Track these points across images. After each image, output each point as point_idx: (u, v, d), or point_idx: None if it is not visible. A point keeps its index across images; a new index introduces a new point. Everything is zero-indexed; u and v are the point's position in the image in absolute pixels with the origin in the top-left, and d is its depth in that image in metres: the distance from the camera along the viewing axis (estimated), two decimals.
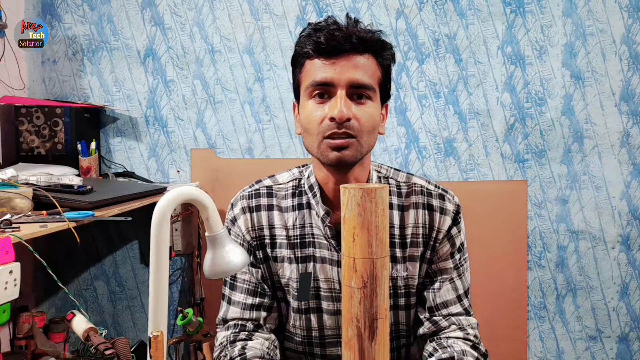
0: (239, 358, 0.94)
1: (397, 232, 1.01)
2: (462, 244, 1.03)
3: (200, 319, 1.21)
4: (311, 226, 1.01)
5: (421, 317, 1.02)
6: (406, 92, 2.13)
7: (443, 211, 1.02)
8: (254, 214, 1.04)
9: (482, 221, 2.08)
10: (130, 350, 1.25)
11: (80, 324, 1.28)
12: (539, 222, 2.12)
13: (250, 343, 0.98)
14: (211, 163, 2.16)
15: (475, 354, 0.95)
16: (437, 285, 1.01)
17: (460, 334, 0.98)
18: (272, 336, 1.03)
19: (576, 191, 2.11)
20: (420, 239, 1.01)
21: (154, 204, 0.75)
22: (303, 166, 1.09)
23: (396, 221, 1.01)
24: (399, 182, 1.04)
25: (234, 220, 1.05)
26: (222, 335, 1.02)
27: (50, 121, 1.93)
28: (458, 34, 2.10)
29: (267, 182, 1.08)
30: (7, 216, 1.16)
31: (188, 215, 2.04)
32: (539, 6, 2.08)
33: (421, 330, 1.01)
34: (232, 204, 1.07)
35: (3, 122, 1.96)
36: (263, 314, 1.02)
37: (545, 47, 2.09)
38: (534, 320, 2.15)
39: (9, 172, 1.38)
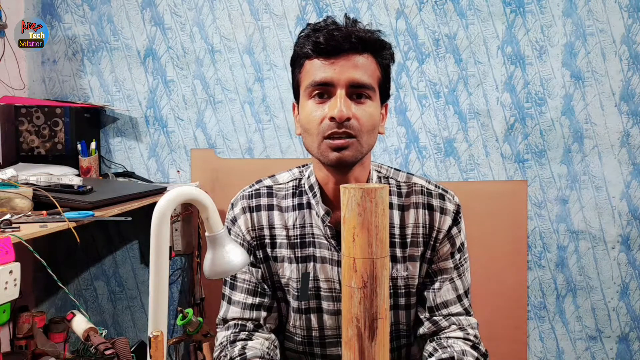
0: (239, 358, 0.94)
1: (397, 231, 1.01)
2: (462, 244, 1.03)
3: (200, 319, 1.21)
4: (311, 226, 1.01)
5: (421, 317, 1.02)
6: (406, 92, 2.13)
7: (443, 211, 1.02)
8: (254, 213, 1.04)
9: (482, 221, 2.08)
10: (130, 350, 1.25)
11: (80, 324, 1.28)
12: (539, 222, 2.12)
13: (250, 343, 0.98)
14: (211, 163, 2.16)
15: (475, 354, 0.95)
16: (437, 285, 1.01)
17: (460, 334, 0.98)
18: (272, 336, 1.03)
19: (576, 191, 2.11)
20: (421, 239, 1.01)
21: (154, 204, 0.75)
22: (303, 166, 1.09)
23: (396, 221, 1.01)
24: (399, 182, 1.04)
25: (234, 220, 1.05)
26: (222, 335, 1.02)
27: (50, 121, 1.93)
28: (458, 34, 2.10)
29: (267, 182, 1.08)
30: (7, 216, 1.16)
31: (188, 215, 2.04)
32: (539, 6, 2.08)
33: (421, 330, 1.01)
34: (232, 204, 1.07)
35: (3, 122, 1.96)
36: (263, 313, 1.02)
37: (545, 47, 2.09)
38: (534, 320, 2.15)
39: (9, 172, 1.38)
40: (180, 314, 1.16)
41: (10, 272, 0.95)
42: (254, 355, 0.95)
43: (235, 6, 2.14)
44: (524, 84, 2.10)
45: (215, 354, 1.01)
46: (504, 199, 2.11)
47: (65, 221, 1.18)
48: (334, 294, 1.01)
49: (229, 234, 1.05)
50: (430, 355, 0.95)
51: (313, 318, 1.02)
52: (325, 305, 1.01)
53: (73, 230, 1.16)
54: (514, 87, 2.10)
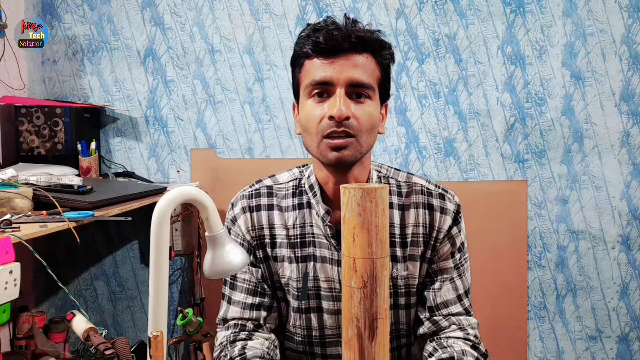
0: (238, 358, 0.94)
1: (397, 231, 1.01)
2: (462, 244, 1.04)
3: (200, 319, 1.21)
4: (311, 225, 1.01)
5: (421, 316, 1.02)
6: (406, 92, 2.13)
7: (443, 211, 1.02)
8: (254, 213, 1.04)
9: (482, 221, 2.08)
10: (130, 350, 1.25)
11: (80, 324, 1.28)
12: (539, 222, 2.12)
13: (250, 343, 0.98)
14: (211, 163, 2.16)
15: (475, 354, 0.95)
16: (437, 285, 1.01)
17: (460, 334, 0.98)
18: (272, 336, 1.03)
19: (576, 191, 2.11)
20: (421, 239, 1.01)
21: (154, 204, 0.75)
22: (303, 166, 1.09)
23: (396, 220, 1.01)
24: (399, 181, 1.04)
25: (234, 220, 1.05)
26: (222, 335, 1.02)
27: (50, 121, 1.93)
28: (458, 34, 2.10)
29: (268, 181, 1.08)
30: (7, 216, 1.16)
31: (188, 215, 2.04)
32: (539, 6, 2.08)
33: (421, 330, 1.01)
34: (232, 204, 1.07)
35: (3, 122, 1.96)
36: (263, 313, 1.02)
37: (545, 47, 2.09)
38: (534, 320, 2.15)
39: (9, 172, 1.38)
40: (180, 314, 1.16)
41: (10, 272, 0.96)
42: (253, 355, 0.95)
43: (235, 6, 2.14)
44: (524, 84, 2.10)
45: (215, 354, 1.01)
46: (504, 199, 2.11)
47: (65, 221, 1.18)
48: (334, 294, 1.01)
49: (229, 233, 1.05)
50: (430, 355, 0.95)
51: (313, 317, 1.02)
52: (325, 304, 1.01)
53: (73, 230, 1.16)
54: (514, 87, 2.10)
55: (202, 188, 1.48)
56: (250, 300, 1.02)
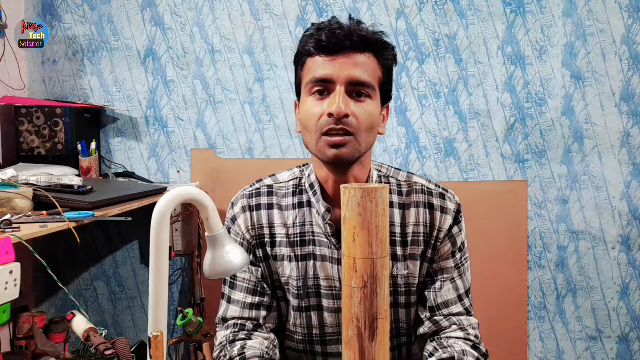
0: (238, 358, 0.94)
1: (397, 230, 1.01)
2: (462, 243, 1.04)
3: (200, 319, 1.21)
4: (311, 224, 1.01)
5: (422, 316, 1.02)
6: (406, 92, 2.13)
7: (444, 210, 1.02)
8: (254, 212, 1.04)
9: (482, 221, 2.08)
10: (130, 350, 1.25)
11: (80, 324, 1.28)
12: (539, 222, 2.12)
13: (249, 342, 0.98)
14: (211, 163, 2.16)
15: (476, 354, 0.95)
16: (437, 284, 1.01)
17: (460, 333, 0.98)
18: (272, 335, 1.03)
19: (576, 191, 2.11)
20: (421, 238, 1.01)
21: (154, 204, 0.75)
22: (304, 165, 1.09)
23: (397, 219, 1.01)
24: (399, 180, 1.04)
25: (233, 219, 1.05)
26: (221, 334, 1.02)
27: (50, 121, 1.93)
28: (458, 34, 2.10)
29: (268, 180, 1.08)
30: (7, 216, 1.16)
31: (188, 215, 2.04)
32: (539, 6, 2.08)
33: (422, 330, 1.01)
34: (232, 203, 1.08)
35: (3, 122, 1.96)
36: (262, 313, 1.02)
37: (545, 47, 2.09)
38: (534, 320, 2.15)
39: (9, 172, 1.38)
40: (180, 314, 1.16)
41: (10, 272, 0.96)
42: (253, 354, 0.95)
43: (235, 6, 2.14)
44: (524, 84, 2.10)
45: (214, 354, 1.01)
46: (504, 199, 2.11)
47: (65, 221, 1.18)
48: (334, 292, 1.01)
49: (229, 232, 1.06)
50: (431, 355, 0.95)
51: (313, 316, 1.02)
52: (325, 302, 1.01)
53: (73, 230, 1.16)
54: (514, 87, 2.10)
55: (202, 188, 1.48)
56: (249, 299, 1.02)
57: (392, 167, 1.08)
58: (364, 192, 0.63)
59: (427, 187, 1.04)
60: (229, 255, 0.80)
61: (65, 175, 1.72)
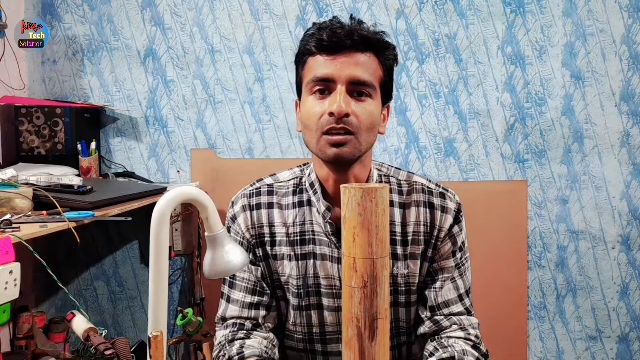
0: (237, 357, 0.94)
1: (398, 229, 1.01)
2: (463, 243, 1.04)
3: (200, 318, 1.21)
4: (311, 223, 1.01)
5: (422, 316, 1.02)
6: (406, 92, 2.13)
7: (444, 209, 1.02)
8: (254, 211, 1.04)
9: (482, 221, 2.08)
10: (130, 350, 1.25)
11: (80, 324, 1.28)
12: (539, 222, 2.12)
13: (248, 342, 0.98)
14: (211, 163, 2.16)
15: (476, 353, 0.95)
16: (438, 284, 1.01)
17: (461, 333, 0.98)
18: (271, 335, 1.03)
19: (576, 191, 2.11)
20: (422, 237, 1.01)
21: (154, 204, 0.75)
22: (304, 165, 1.09)
23: (397, 219, 1.01)
24: (399, 180, 1.05)
25: (234, 218, 1.06)
26: (220, 334, 1.02)
27: (50, 121, 1.93)
28: (458, 34, 2.10)
29: (268, 180, 1.08)
30: (7, 216, 1.16)
31: (188, 215, 2.04)
32: (539, 6, 2.08)
33: (422, 329, 1.01)
34: (232, 202, 1.08)
35: (3, 122, 1.96)
36: (262, 312, 1.02)
37: (545, 47, 2.09)
38: (534, 320, 2.15)
39: (9, 172, 1.38)
40: (180, 314, 1.16)
41: (10, 272, 0.95)
42: (251, 354, 0.95)
43: (235, 6, 2.14)
44: (524, 84, 2.10)
45: (214, 354, 1.01)
46: (504, 199, 2.11)
47: (65, 221, 1.18)
48: (334, 291, 1.01)
49: (229, 231, 1.06)
50: (431, 354, 0.95)
51: (313, 315, 1.02)
52: (325, 301, 1.01)
53: (73, 230, 1.16)
54: (514, 87, 2.10)
55: (202, 188, 1.48)
56: (249, 299, 1.02)
57: (392, 166, 1.08)
58: (364, 192, 0.63)
59: (428, 187, 1.04)
60: (228, 255, 0.80)
61: (65, 175, 1.72)
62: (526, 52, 2.09)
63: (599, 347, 2.14)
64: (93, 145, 1.97)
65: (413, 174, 1.06)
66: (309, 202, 1.02)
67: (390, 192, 1.03)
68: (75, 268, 2.22)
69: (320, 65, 0.93)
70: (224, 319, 1.04)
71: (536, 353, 2.15)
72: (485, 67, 2.10)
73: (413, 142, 2.14)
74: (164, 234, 0.73)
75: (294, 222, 1.02)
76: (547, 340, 2.15)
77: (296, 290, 1.02)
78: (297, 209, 1.03)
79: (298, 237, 1.02)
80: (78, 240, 1.15)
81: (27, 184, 1.37)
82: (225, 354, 0.97)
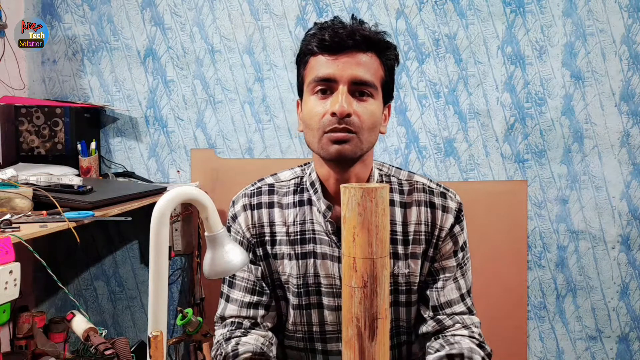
0: (231, 353, 0.95)
1: (399, 229, 1.01)
2: (464, 243, 1.04)
3: (200, 318, 1.21)
4: (312, 222, 1.01)
5: (424, 315, 1.02)
6: (406, 92, 2.13)
7: (445, 209, 1.02)
8: (255, 211, 1.04)
9: (482, 221, 2.08)
10: (130, 350, 1.25)
11: (80, 324, 1.28)
12: (539, 222, 2.12)
13: (244, 339, 0.98)
14: (211, 163, 2.16)
15: (482, 353, 0.96)
16: (440, 284, 1.01)
17: (465, 332, 0.98)
18: (269, 334, 1.03)
19: (576, 191, 2.11)
20: (423, 237, 1.01)
21: (154, 204, 0.75)
22: (305, 164, 1.09)
23: (398, 218, 1.01)
24: (400, 179, 1.05)
25: (234, 218, 1.06)
26: (219, 333, 1.02)
27: (50, 121, 1.93)
28: (458, 34, 2.10)
29: (269, 180, 1.08)
30: (7, 216, 1.16)
31: (188, 215, 2.04)
32: (539, 6, 2.08)
33: (424, 329, 1.01)
34: (233, 202, 1.08)
35: (3, 122, 1.96)
36: (260, 312, 1.02)
37: (545, 47, 2.09)
38: (534, 320, 2.15)
39: (9, 172, 1.38)
40: (180, 314, 1.16)
41: (10, 272, 0.96)
42: (246, 350, 0.95)
43: (235, 6, 2.14)
44: (524, 84, 2.10)
45: (212, 353, 1.01)
46: (504, 199, 2.11)
47: (65, 221, 1.18)
48: (334, 290, 1.01)
49: (230, 231, 1.06)
50: (437, 350, 0.95)
51: (314, 314, 1.02)
52: (325, 300, 1.02)
53: (73, 230, 1.16)
54: (514, 87, 2.10)
55: (202, 188, 1.48)
56: (248, 298, 1.02)
57: (393, 166, 1.08)
58: (364, 192, 0.63)
59: (429, 186, 1.04)
60: (228, 255, 0.80)
61: (65, 175, 1.72)
62: (526, 52, 2.09)
63: (599, 347, 2.14)
64: (93, 145, 1.97)
65: (414, 173, 1.07)
66: (310, 202, 1.02)
67: (391, 191, 1.03)
68: (75, 268, 2.22)
69: (322, 66, 0.93)
70: (222, 318, 1.04)
71: (536, 353, 2.15)
72: (485, 67, 2.10)
73: (413, 142, 2.14)
74: (164, 234, 0.73)
75: (294, 222, 1.03)
76: (547, 340, 2.15)
77: (296, 290, 1.02)
78: (297, 208, 1.03)
79: (298, 237, 1.02)
80: (78, 240, 1.15)
81: (27, 184, 1.37)
82: (222, 352, 0.97)
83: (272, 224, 1.04)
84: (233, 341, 0.98)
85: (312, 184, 1.02)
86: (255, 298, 1.02)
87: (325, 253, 1.01)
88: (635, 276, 2.11)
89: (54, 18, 2.16)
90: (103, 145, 2.18)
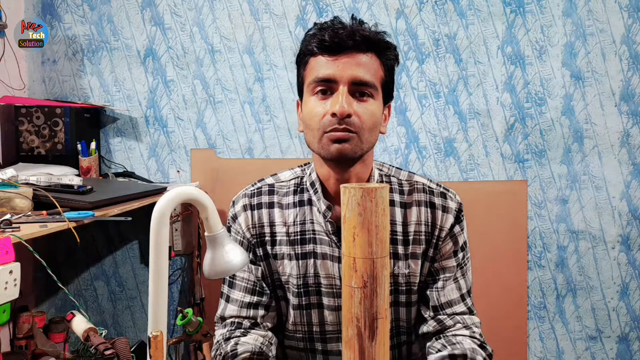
0: (230, 353, 0.95)
1: (399, 229, 1.01)
2: (465, 243, 1.04)
3: (200, 318, 1.21)
4: (312, 222, 1.01)
5: (425, 315, 1.02)
6: (406, 92, 2.13)
7: (445, 209, 1.02)
8: (255, 211, 1.04)
9: (482, 221, 2.08)
10: (130, 350, 1.25)
11: (80, 324, 1.28)
12: (539, 222, 2.12)
13: (243, 339, 0.98)
14: (211, 163, 2.16)
15: (484, 353, 0.96)
16: (440, 284, 1.01)
17: (466, 332, 0.98)
18: (269, 334, 1.03)
19: (576, 191, 2.11)
20: (423, 237, 1.01)
21: (154, 204, 0.75)
22: (305, 164, 1.09)
23: (398, 218, 1.01)
24: (400, 180, 1.05)
25: (234, 218, 1.06)
26: (218, 333, 1.02)
27: (50, 121, 1.93)
28: (458, 34, 2.10)
29: (270, 180, 1.08)
30: (7, 216, 1.16)
31: (188, 215, 2.04)
32: (539, 6, 2.08)
33: (425, 329, 1.01)
34: (233, 202, 1.08)
35: (3, 122, 1.96)
36: (260, 312, 1.02)
37: (545, 47, 2.09)
38: (534, 320, 2.15)
39: (9, 172, 1.38)
40: (180, 314, 1.16)
41: (10, 272, 0.96)
42: (245, 350, 0.95)
43: (235, 6, 2.14)
44: (524, 84, 2.10)
45: (212, 353, 1.01)
46: (504, 199, 2.11)
47: (65, 221, 1.18)
48: (334, 290, 1.01)
49: (230, 231, 1.06)
50: (439, 350, 0.95)
51: (314, 314, 1.02)
52: (325, 301, 1.02)
53: (73, 230, 1.16)
54: (514, 87, 2.10)
55: (202, 188, 1.48)
56: (248, 299, 1.02)
57: (393, 166, 1.08)
58: (364, 192, 0.63)
59: (429, 187, 1.04)
60: (228, 255, 0.80)
61: (65, 175, 1.72)
62: (526, 52, 2.09)
63: (599, 347, 2.14)
64: (93, 145, 1.97)
65: (414, 174, 1.07)
66: (310, 202, 1.02)
67: (392, 191, 1.03)
68: (75, 268, 2.22)
69: (322, 66, 0.93)
70: (222, 319, 1.04)
71: (536, 353, 2.15)
72: (485, 67, 2.10)
73: (413, 142, 2.14)
74: (163, 234, 0.73)
75: (294, 222, 1.03)
76: (547, 340, 2.15)
77: (296, 290, 1.02)
78: (297, 208, 1.03)
79: (298, 237, 1.02)
80: (78, 240, 1.15)
81: (27, 184, 1.37)
82: (221, 352, 0.97)
83: (272, 224, 1.04)
84: (232, 341, 0.98)
85: (312, 184, 1.02)
86: (255, 298, 1.02)
87: (326, 253, 1.01)
88: (635, 276, 2.11)
89: (54, 18, 2.16)
90: (103, 145, 2.18)
